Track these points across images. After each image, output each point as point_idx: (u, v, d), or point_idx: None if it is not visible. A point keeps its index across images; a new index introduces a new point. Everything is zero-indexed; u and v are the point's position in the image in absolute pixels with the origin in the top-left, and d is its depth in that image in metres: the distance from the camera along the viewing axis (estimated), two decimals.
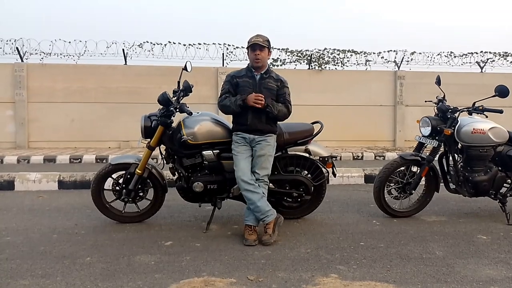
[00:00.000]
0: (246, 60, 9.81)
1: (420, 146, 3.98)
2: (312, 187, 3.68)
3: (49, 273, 2.58)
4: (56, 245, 3.09)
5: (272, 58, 10.01)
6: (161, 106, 3.47)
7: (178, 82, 3.55)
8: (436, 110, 3.95)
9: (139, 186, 3.59)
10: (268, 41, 3.34)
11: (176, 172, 3.58)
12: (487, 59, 10.98)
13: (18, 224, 3.64)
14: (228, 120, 3.60)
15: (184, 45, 9.92)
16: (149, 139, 3.53)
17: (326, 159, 3.71)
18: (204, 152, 3.43)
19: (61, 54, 9.70)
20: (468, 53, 10.92)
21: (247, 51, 3.38)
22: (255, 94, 3.21)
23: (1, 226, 3.56)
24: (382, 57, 10.77)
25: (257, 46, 3.26)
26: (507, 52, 11.14)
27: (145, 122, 3.52)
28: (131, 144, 9.44)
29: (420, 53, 10.81)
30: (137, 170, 3.50)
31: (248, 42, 3.31)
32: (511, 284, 2.48)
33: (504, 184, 3.92)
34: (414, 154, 3.91)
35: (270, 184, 3.52)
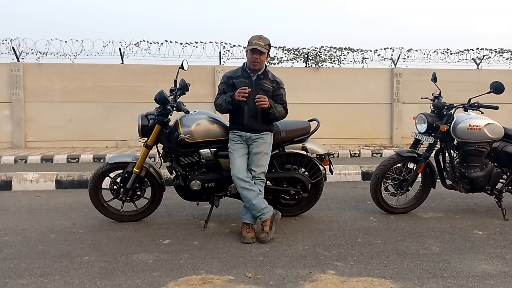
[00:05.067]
0: (243, 58, 9.83)
1: (417, 142, 3.99)
2: (310, 185, 3.69)
3: (47, 272, 2.58)
4: (54, 245, 3.09)
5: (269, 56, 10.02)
6: (158, 105, 3.47)
7: (175, 81, 3.55)
8: (432, 107, 3.97)
9: (137, 185, 3.59)
10: (269, 44, 3.31)
11: (173, 171, 3.59)
12: (483, 56, 11.01)
13: (16, 224, 3.64)
14: (225, 118, 3.61)
15: (181, 43, 9.91)
16: (146, 138, 3.53)
17: (323, 156, 3.72)
18: (201, 151, 3.44)
19: (57, 53, 9.67)
20: (464, 50, 10.94)
21: (246, 51, 3.34)
22: (240, 88, 3.17)
23: None
24: (379, 55, 10.79)
25: (257, 51, 3.23)
26: (503, 49, 11.18)
27: (142, 121, 3.52)
28: (129, 143, 9.43)
29: (416, 50, 10.84)
30: (134, 169, 3.50)
31: (249, 43, 3.26)
32: (506, 279, 2.50)
33: (500, 180, 3.94)
34: (410, 150, 3.93)
35: (268, 182, 3.53)
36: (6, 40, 9.50)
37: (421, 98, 4.32)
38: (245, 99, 3.18)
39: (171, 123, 3.54)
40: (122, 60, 9.90)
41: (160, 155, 3.63)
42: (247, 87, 3.19)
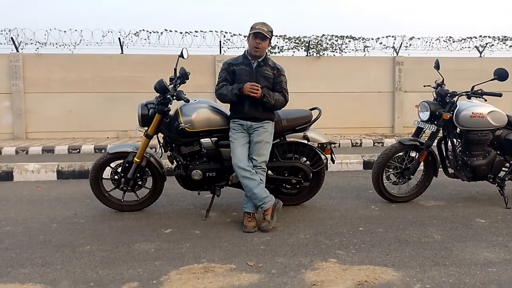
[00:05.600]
0: (243, 47, 9.76)
1: (419, 131, 3.97)
2: (311, 174, 3.68)
3: (49, 261, 2.59)
4: (55, 234, 3.09)
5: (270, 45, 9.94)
6: (158, 94, 3.44)
7: (175, 69, 3.51)
8: (435, 95, 3.93)
9: (138, 174, 3.58)
10: (271, 32, 3.28)
11: (174, 160, 3.57)
12: (486, 44, 10.89)
13: (17, 214, 3.64)
14: (226, 107, 3.58)
15: (181, 33, 9.81)
16: (146, 128, 3.51)
17: (325, 145, 3.70)
18: (202, 140, 3.42)
19: (56, 43, 9.58)
20: (467, 37, 10.81)
21: (248, 36, 3.32)
22: (251, 84, 3.17)
23: (1, 216, 3.56)
24: (381, 43, 10.68)
25: (260, 35, 3.19)
26: (506, 36, 11.04)
27: (142, 111, 3.50)
28: (130, 134, 9.40)
29: (418, 38, 10.72)
30: (135, 158, 3.49)
31: (252, 28, 3.24)
32: (508, 266, 2.50)
33: (503, 168, 3.92)
34: (412, 139, 3.90)
35: (269, 171, 3.52)
36: (4, 31, 9.42)
37: (424, 86, 4.27)
38: (255, 95, 3.15)
39: (171, 112, 3.52)
40: (122, 50, 9.82)
41: (161, 144, 3.61)
42: (259, 85, 3.17)
